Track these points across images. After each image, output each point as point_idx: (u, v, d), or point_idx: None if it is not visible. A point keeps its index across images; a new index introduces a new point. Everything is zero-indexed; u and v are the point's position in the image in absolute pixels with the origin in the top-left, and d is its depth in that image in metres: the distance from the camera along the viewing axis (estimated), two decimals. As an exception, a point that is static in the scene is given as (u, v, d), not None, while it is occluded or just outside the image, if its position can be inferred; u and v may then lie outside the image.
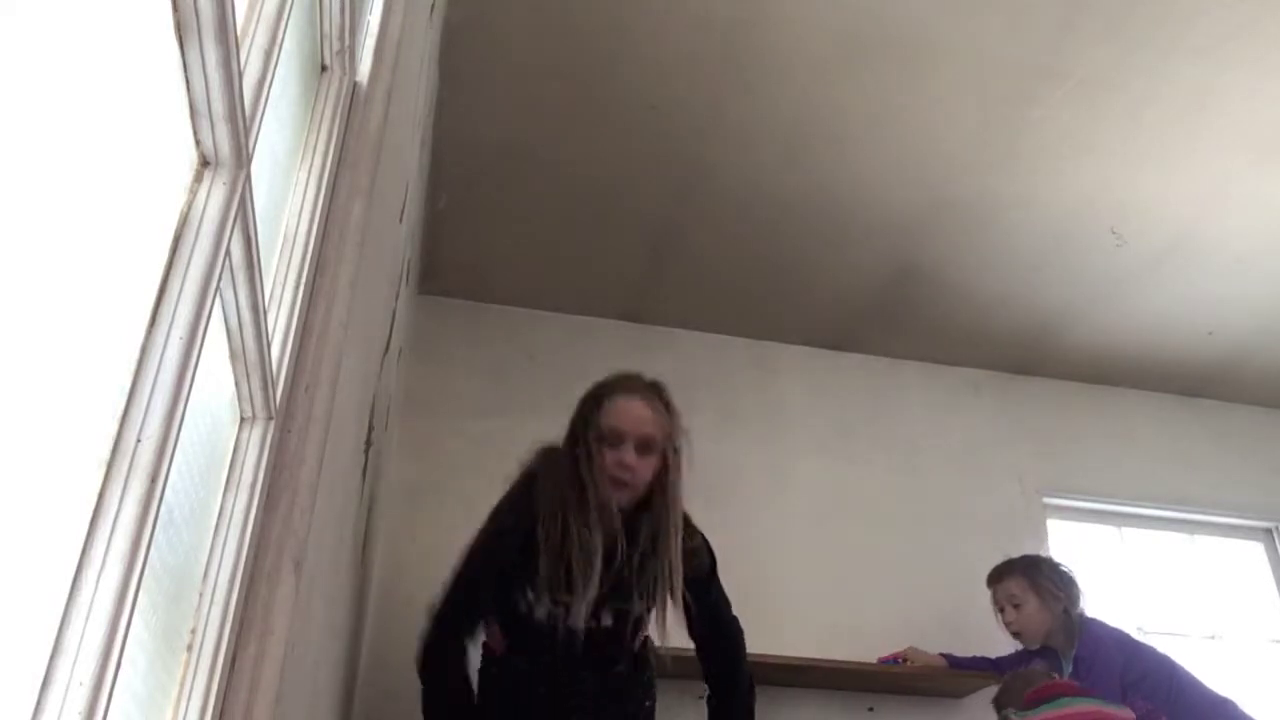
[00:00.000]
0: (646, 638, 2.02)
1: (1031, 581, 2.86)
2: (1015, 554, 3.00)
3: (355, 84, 1.35)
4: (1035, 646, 2.84)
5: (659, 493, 1.95)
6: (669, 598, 1.94)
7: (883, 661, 3.11)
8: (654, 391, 2.00)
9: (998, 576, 2.94)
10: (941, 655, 3.10)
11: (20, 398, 0.49)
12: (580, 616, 1.86)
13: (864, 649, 3.14)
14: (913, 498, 3.62)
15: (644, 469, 1.92)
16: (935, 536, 3.54)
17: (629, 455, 1.90)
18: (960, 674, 3.09)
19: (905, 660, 3.10)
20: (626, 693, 2.00)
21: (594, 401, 1.99)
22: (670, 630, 1.98)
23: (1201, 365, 3.91)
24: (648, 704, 2.05)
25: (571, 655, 1.89)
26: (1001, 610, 2.90)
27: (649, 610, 1.97)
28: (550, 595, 1.88)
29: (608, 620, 1.93)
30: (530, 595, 1.92)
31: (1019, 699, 2.43)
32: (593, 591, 1.85)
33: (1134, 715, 2.32)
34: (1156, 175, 3.02)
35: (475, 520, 3.18)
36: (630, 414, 1.93)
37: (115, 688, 0.59)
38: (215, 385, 0.90)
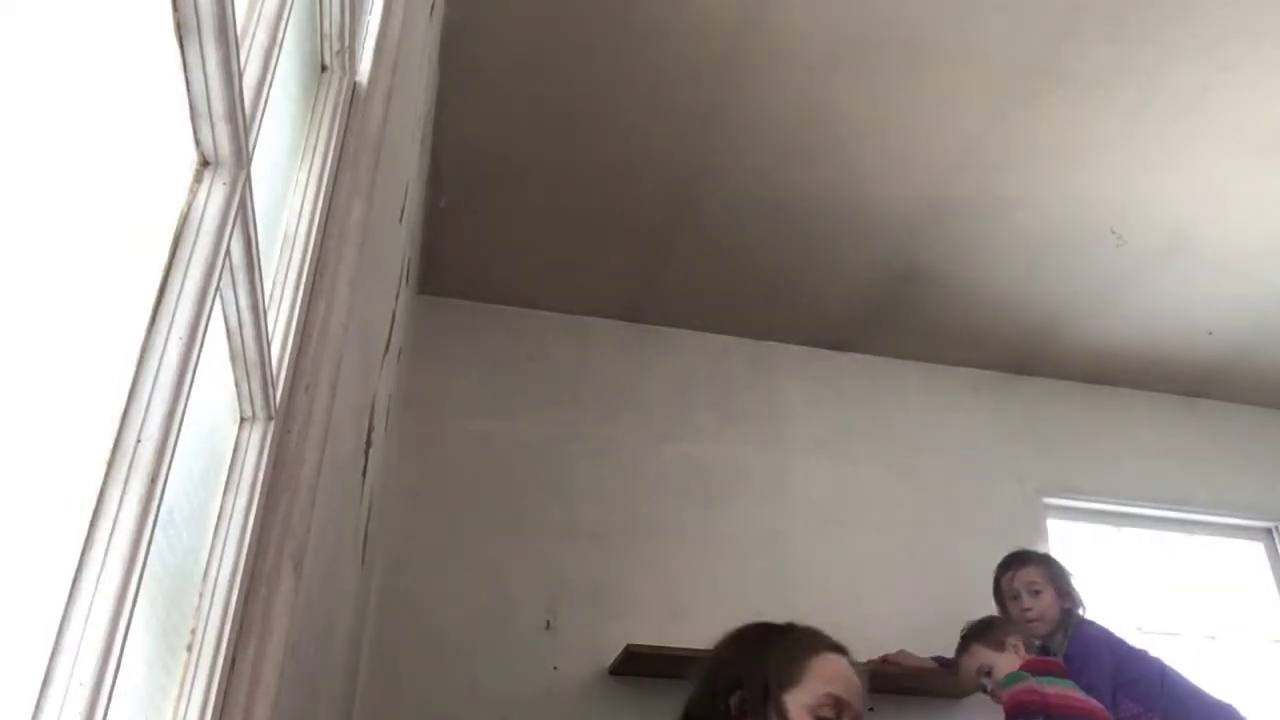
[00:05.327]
0: None
1: (1049, 572, 2.84)
2: (1015, 554, 2.98)
3: (355, 84, 1.35)
4: (1038, 641, 2.81)
5: None
6: None
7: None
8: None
9: (1016, 563, 2.88)
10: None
11: (20, 398, 0.49)
12: None
13: (864, 649, 3.12)
14: (912, 498, 3.62)
15: None
16: (935, 537, 3.54)
17: None
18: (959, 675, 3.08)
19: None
20: None
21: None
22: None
23: (1201, 365, 3.91)
24: None
25: None
26: (1016, 598, 2.82)
27: None
28: None
29: None
30: None
31: (996, 637, 2.46)
32: None
33: (1105, 712, 2.33)
34: (1156, 175, 3.02)
35: (475, 520, 3.20)
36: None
37: (115, 688, 0.59)
38: (215, 385, 0.90)
